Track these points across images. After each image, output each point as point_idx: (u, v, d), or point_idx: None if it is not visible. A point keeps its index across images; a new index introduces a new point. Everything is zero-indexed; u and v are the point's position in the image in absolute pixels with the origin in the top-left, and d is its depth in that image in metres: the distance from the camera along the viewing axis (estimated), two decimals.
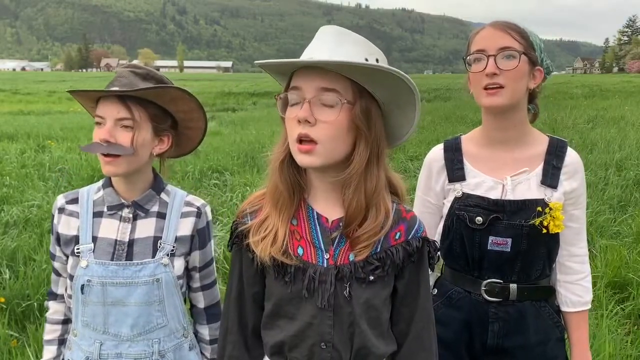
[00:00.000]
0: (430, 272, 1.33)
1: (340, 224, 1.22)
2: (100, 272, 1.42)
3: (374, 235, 1.20)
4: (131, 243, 1.45)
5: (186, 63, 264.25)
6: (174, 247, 1.47)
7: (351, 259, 1.22)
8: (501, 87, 1.47)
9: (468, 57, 1.54)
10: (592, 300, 1.59)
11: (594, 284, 3.88)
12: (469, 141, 1.65)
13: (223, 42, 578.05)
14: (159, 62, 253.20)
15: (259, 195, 1.31)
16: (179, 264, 1.48)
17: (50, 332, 1.58)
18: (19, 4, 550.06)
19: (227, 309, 1.33)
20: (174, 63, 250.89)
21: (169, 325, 1.47)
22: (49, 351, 1.56)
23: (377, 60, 1.17)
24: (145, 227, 1.47)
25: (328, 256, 1.22)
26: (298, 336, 1.22)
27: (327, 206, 1.25)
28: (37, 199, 5.95)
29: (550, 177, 1.54)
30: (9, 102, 26.55)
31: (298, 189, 1.24)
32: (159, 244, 1.46)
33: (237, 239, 1.29)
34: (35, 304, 3.52)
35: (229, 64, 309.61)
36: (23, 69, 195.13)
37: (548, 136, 1.62)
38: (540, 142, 1.59)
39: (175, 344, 1.50)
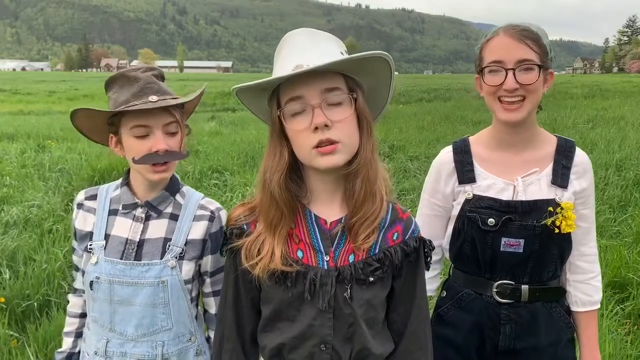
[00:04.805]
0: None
1: (339, 225, 1.23)
2: (108, 269, 1.42)
3: (371, 223, 1.20)
4: (141, 243, 1.44)
5: (186, 63, 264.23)
6: (183, 250, 1.45)
7: (351, 261, 1.22)
8: (521, 99, 1.45)
9: (483, 68, 1.49)
10: None
11: None
12: (478, 143, 1.63)
13: (223, 42, 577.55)
14: (159, 62, 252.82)
15: (247, 209, 1.29)
16: (187, 268, 1.46)
17: (69, 324, 1.61)
18: (19, 4, 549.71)
19: (222, 315, 1.32)
20: (174, 63, 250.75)
21: (174, 329, 1.46)
22: (66, 343, 1.60)
23: (346, 51, 1.22)
24: (157, 228, 1.46)
25: (328, 258, 1.22)
26: (298, 338, 1.22)
27: (326, 208, 1.25)
28: (37, 199, 5.95)
29: (561, 177, 1.54)
30: (9, 102, 26.56)
31: (297, 200, 1.23)
32: (167, 246, 1.44)
33: (233, 245, 1.27)
34: (35, 304, 3.52)
35: (229, 64, 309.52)
36: (23, 69, 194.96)
37: (556, 136, 1.61)
38: (548, 143, 1.59)
39: (180, 348, 1.48)
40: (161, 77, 1.47)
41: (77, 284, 1.60)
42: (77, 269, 1.58)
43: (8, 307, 3.49)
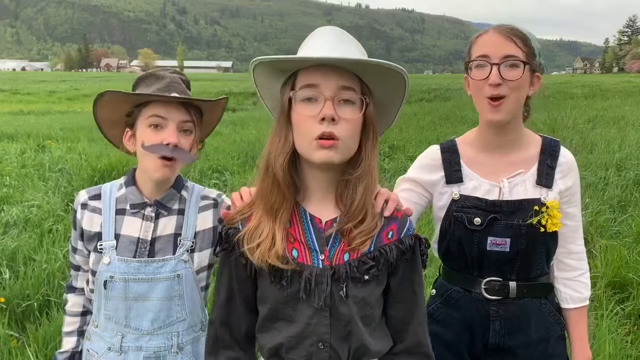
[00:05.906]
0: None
1: (335, 225, 1.23)
2: (122, 268, 1.44)
3: (369, 233, 1.22)
4: (153, 241, 1.47)
5: (186, 63, 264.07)
6: (193, 243, 1.49)
7: (346, 259, 1.22)
8: (503, 96, 1.47)
9: (470, 62, 1.52)
10: (592, 300, 1.62)
11: (594, 284, 3.88)
12: (465, 144, 1.65)
13: (223, 42, 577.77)
14: (159, 62, 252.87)
15: (246, 205, 1.30)
16: (198, 260, 1.50)
17: (70, 324, 1.61)
18: (19, 4, 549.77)
19: (216, 314, 1.33)
20: (174, 63, 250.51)
21: (188, 320, 1.50)
22: (69, 342, 1.59)
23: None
24: (167, 225, 1.49)
25: (323, 257, 1.23)
26: (296, 337, 1.22)
27: (320, 207, 1.25)
28: (37, 199, 5.95)
29: (545, 177, 1.55)
30: (9, 102, 26.62)
31: (295, 190, 1.24)
32: (179, 241, 1.48)
33: (227, 244, 1.27)
34: (35, 304, 3.52)
35: (229, 64, 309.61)
36: (23, 69, 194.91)
37: (541, 136, 1.63)
38: (534, 143, 1.60)
39: (193, 337, 1.52)
40: (187, 83, 1.51)
41: (78, 283, 1.61)
42: (77, 268, 1.59)
43: (8, 307, 3.49)
